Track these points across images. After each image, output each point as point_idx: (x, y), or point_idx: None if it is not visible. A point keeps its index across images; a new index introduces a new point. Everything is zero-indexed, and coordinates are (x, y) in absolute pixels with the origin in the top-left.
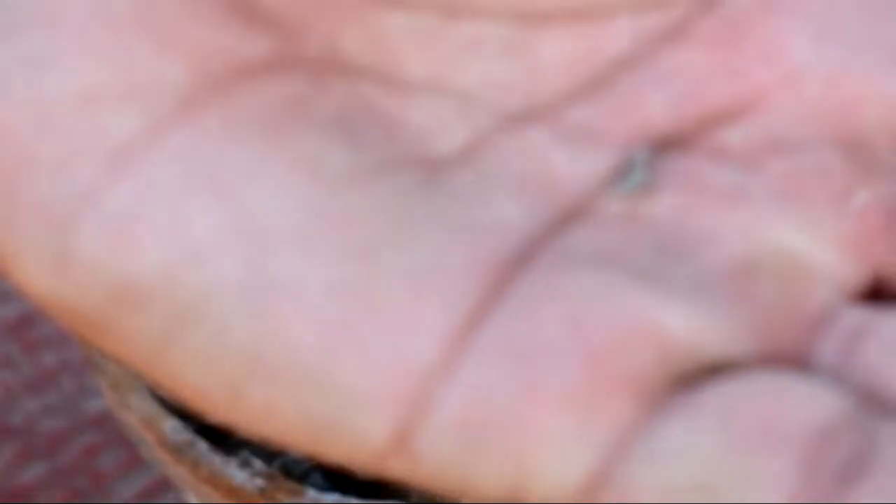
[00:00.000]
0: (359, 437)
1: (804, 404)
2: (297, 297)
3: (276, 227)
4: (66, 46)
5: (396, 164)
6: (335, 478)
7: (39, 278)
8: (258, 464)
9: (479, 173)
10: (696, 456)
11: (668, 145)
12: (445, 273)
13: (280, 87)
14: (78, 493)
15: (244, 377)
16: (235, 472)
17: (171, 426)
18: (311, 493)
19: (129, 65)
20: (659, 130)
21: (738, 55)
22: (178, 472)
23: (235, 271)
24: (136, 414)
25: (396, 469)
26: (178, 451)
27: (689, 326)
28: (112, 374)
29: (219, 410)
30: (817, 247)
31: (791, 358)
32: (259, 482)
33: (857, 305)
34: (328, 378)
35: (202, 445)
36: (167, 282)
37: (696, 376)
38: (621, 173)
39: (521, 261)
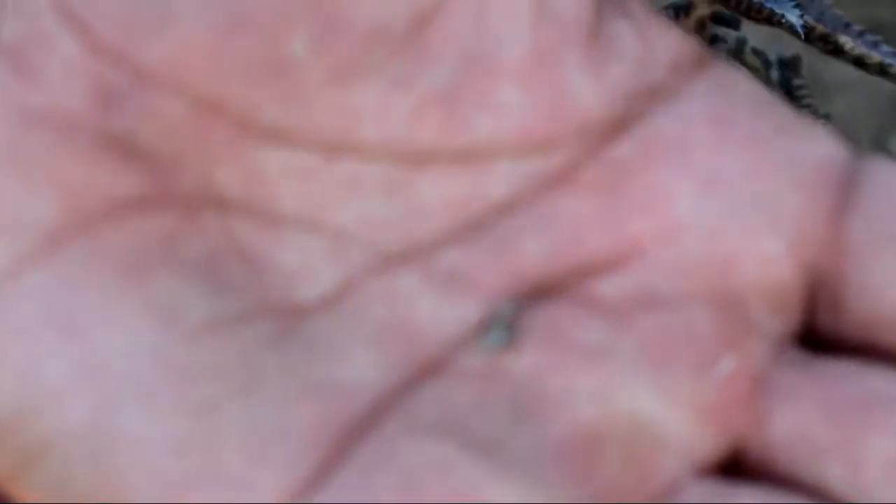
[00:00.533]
0: None
1: None
2: (137, 451)
3: (124, 376)
4: None
5: (257, 313)
6: None
7: None
8: None
9: (341, 322)
10: None
11: (538, 294)
12: (288, 435)
13: (149, 224)
14: None
15: None
16: None
17: None
18: None
19: None
20: (532, 279)
21: (618, 204)
22: None
23: (80, 420)
24: None
25: None
26: None
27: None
28: None
29: None
30: (672, 415)
31: None
32: None
33: (707, 479)
34: None
35: None
36: (17, 423)
37: None
38: (484, 328)
39: (366, 424)
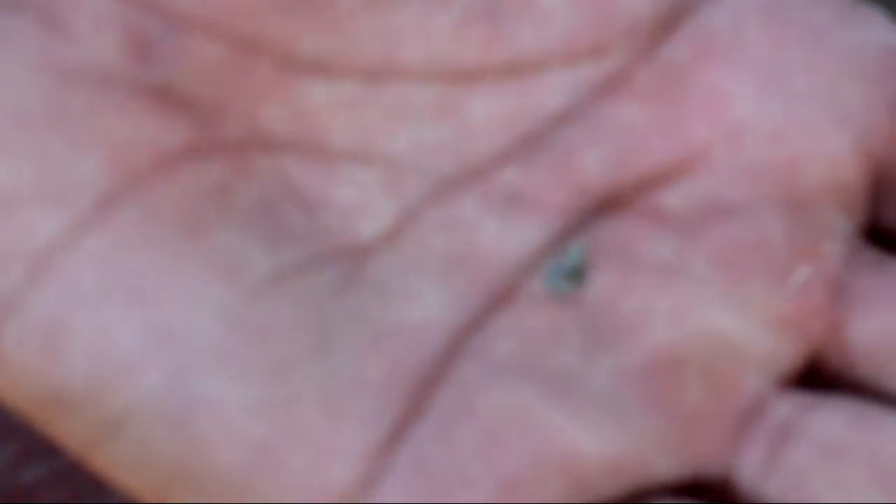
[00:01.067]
0: None
1: None
2: (218, 416)
3: (196, 340)
4: None
5: (319, 260)
6: None
7: None
8: None
9: (404, 259)
10: None
11: (602, 210)
12: (364, 389)
13: (200, 176)
14: (78, 493)
15: (169, 485)
16: None
17: None
18: None
19: (45, 164)
20: (594, 194)
21: (676, 108)
22: None
23: (157, 388)
24: None
25: None
26: None
27: (603, 452)
28: None
29: (151, 500)
30: (751, 329)
31: (714, 468)
32: None
33: (789, 393)
34: (250, 496)
35: None
36: (93, 393)
37: None
38: (554, 257)
39: (440, 370)
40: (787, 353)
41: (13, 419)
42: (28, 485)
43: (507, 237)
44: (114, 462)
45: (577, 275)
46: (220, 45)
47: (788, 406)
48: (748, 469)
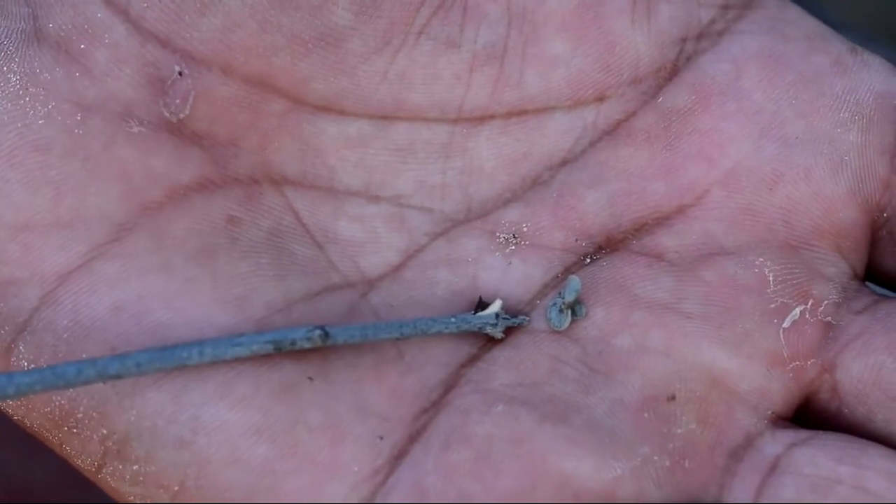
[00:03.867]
0: None
1: None
2: (220, 438)
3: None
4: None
5: (325, 290)
6: None
7: None
8: None
9: (408, 291)
10: None
11: (601, 250)
12: (366, 413)
13: (211, 207)
14: (78, 493)
15: (172, 501)
16: None
17: None
18: None
19: (62, 193)
20: (594, 235)
21: (675, 152)
22: None
23: (161, 409)
24: None
25: None
26: None
27: (598, 478)
28: None
29: None
30: (744, 366)
31: (705, 499)
32: None
33: (781, 429)
34: None
35: None
36: (97, 416)
37: None
38: (555, 292)
39: (441, 396)
40: (779, 391)
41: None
42: (28, 485)
43: (508, 274)
44: (120, 480)
45: (574, 308)
46: (234, 84)
47: (779, 441)
48: (739, 501)
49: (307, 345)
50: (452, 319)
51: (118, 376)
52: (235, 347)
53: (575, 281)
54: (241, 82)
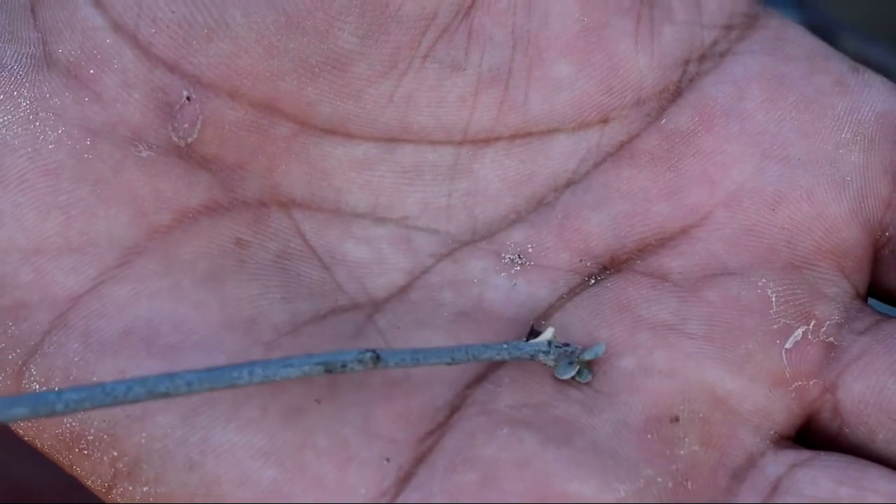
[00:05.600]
0: None
1: None
2: (229, 460)
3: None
4: (9, 199)
5: (332, 311)
6: None
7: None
8: None
9: (413, 313)
10: None
11: (605, 271)
12: (372, 436)
13: (219, 230)
14: (78, 493)
15: None
16: None
17: None
18: None
19: (72, 217)
20: (597, 256)
21: (678, 174)
22: None
23: (170, 431)
24: None
25: None
26: None
27: (603, 499)
28: None
29: None
30: (746, 387)
31: None
32: None
33: (783, 449)
34: None
35: None
36: (109, 437)
37: None
38: (572, 345)
39: (446, 418)
40: (781, 412)
41: None
42: (28, 485)
43: (512, 295)
44: (130, 501)
45: (582, 370)
46: (241, 108)
47: (781, 462)
48: None
49: (358, 367)
50: (504, 346)
51: (167, 394)
52: (286, 368)
53: (601, 347)
54: (249, 106)
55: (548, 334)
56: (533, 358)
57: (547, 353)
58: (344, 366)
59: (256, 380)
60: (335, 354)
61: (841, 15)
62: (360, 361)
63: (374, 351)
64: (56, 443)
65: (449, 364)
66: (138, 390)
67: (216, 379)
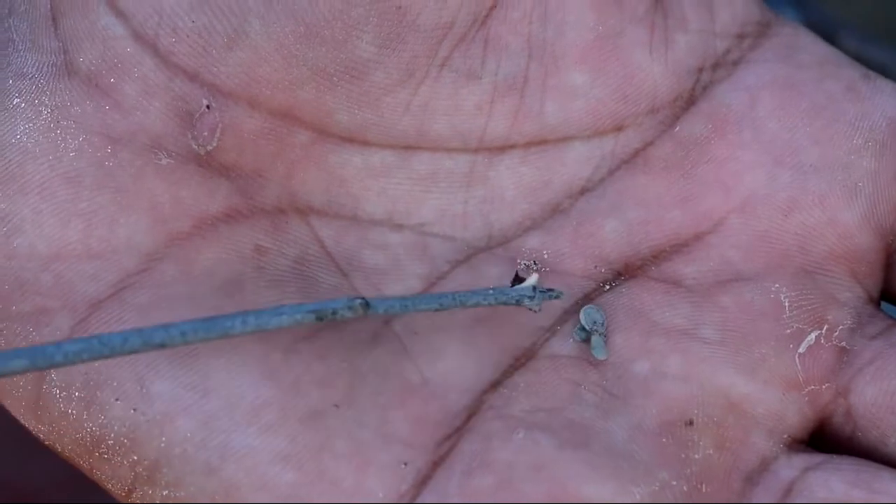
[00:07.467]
0: None
1: None
2: (248, 464)
3: (229, 392)
4: (31, 206)
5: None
6: None
7: (21, 418)
8: None
9: (431, 319)
10: None
11: (620, 277)
12: (390, 440)
13: (238, 237)
14: (78, 493)
15: None
16: None
17: None
18: None
19: (92, 224)
20: (612, 262)
21: (692, 181)
22: None
23: (190, 436)
24: None
25: None
26: None
27: (618, 502)
28: None
29: None
30: (760, 391)
31: None
32: None
33: (797, 453)
34: None
35: None
36: (128, 442)
37: None
38: (575, 320)
39: (463, 422)
40: (795, 415)
41: (13, 419)
42: (28, 485)
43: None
44: None
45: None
46: (260, 117)
47: (794, 465)
48: None
49: (349, 314)
50: (490, 291)
51: (163, 345)
52: (278, 317)
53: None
54: (267, 115)
55: (532, 280)
56: (518, 303)
57: (532, 297)
58: (335, 313)
59: (249, 329)
60: (326, 303)
61: (841, 15)
62: (350, 308)
63: (363, 298)
64: (76, 447)
65: (437, 310)
66: (134, 341)
67: (210, 329)
